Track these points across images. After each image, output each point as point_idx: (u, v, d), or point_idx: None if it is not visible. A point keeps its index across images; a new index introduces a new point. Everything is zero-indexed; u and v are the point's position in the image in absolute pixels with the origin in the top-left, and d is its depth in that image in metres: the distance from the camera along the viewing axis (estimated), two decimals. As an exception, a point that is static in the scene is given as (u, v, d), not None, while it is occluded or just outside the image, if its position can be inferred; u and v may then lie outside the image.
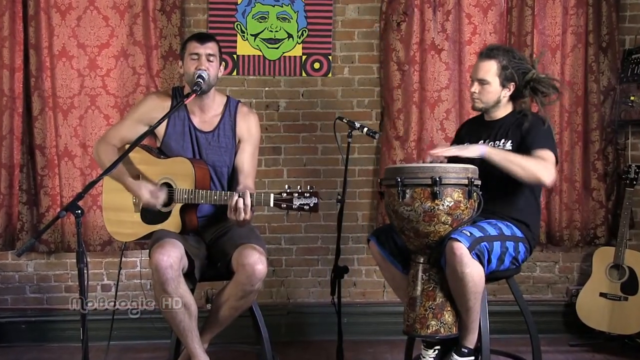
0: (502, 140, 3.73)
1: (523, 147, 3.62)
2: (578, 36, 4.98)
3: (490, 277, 3.48)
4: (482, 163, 3.51)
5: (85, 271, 2.83)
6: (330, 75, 5.07)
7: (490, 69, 3.71)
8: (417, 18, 4.94)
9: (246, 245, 3.45)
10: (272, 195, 3.30)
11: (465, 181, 3.34)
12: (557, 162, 3.64)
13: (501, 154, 3.51)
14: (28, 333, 4.97)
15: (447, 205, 3.31)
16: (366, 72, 5.12)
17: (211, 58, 3.67)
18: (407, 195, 3.35)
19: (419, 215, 3.33)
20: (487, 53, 3.75)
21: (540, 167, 3.48)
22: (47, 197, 4.83)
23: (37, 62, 4.80)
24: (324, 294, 5.07)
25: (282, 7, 5.00)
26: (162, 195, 3.56)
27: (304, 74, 5.06)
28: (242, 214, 3.34)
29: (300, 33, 5.02)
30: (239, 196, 3.34)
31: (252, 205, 3.35)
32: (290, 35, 5.02)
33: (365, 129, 3.98)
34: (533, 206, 3.73)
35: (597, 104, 4.97)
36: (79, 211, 2.82)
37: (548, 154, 3.56)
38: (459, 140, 4.01)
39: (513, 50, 3.82)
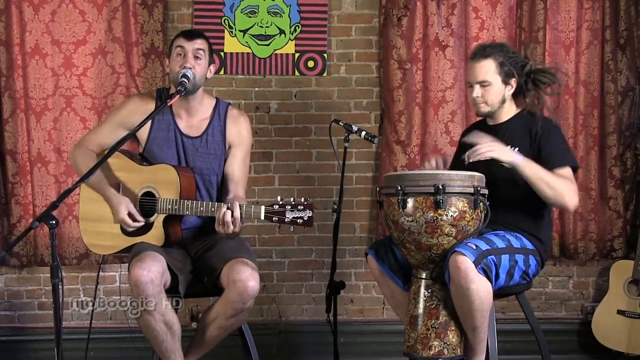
0: (509, 147, 3.72)
1: (539, 162, 3.65)
2: (594, 32, 5.01)
3: (498, 293, 3.50)
4: (488, 170, 3.54)
5: (60, 287, 2.83)
6: (325, 74, 5.10)
7: (489, 69, 3.72)
8: (419, 12, 4.97)
9: (237, 260, 3.46)
10: (262, 208, 3.31)
11: (471, 190, 3.37)
12: (576, 168, 3.74)
13: (534, 169, 3.52)
14: (-3, 354, 4.97)
15: (451, 216, 3.34)
16: (364, 71, 5.15)
17: (199, 53, 3.68)
18: (408, 205, 3.38)
19: (420, 227, 3.36)
20: (480, 53, 3.76)
21: (568, 191, 3.55)
22: (19, 207, 4.84)
23: (7, 60, 4.81)
24: (319, 312, 5.05)
25: (273, 0, 5.02)
26: (140, 220, 3.59)
27: (297, 73, 5.08)
28: (231, 227, 3.36)
29: (292, 29, 5.04)
30: (228, 208, 3.36)
31: (241, 217, 3.37)
32: (282, 31, 5.04)
33: (364, 133, 4.00)
34: (544, 216, 3.75)
35: (615, 105, 4.99)
36: (53, 222, 2.81)
37: (570, 174, 3.63)
38: (462, 149, 4.03)
39: (505, 45, 3.86)
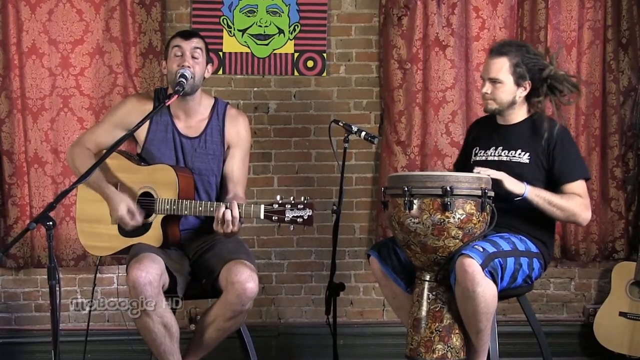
0: (519, 151, 3.73)
1: (552, 176, 3.69)
2: (596, 32, 5.01)
3: (500, 295, 3.47)
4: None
5: (57, 288, 2.82)
6: (324, 74, 5.09)
7: (502, 67, 3.70)
8: (419, 11, 4.96)
9: (236, 262, 3.45)
10: (262, 207, 3.31)
11: (479, 192, 3.35)
12: (588, 178, 3.79)
13: (541, 195, 3.57)
14: (-6, 356, 4.96)
15: (459, 218, 3.32)
16: (364, 71, 5.14)
17: (196, 53, 3.68)
18: (415, 206, 3.36)
19: (427, 229, 3.34)
20: (497, 49, 3.75)
21: (580, 209, 3.62)
22: (16, 208, 4.83)
23: (4, 60, 4.80)
24: (318, 314, 5.04)
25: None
26: (139, 220, 3.56)
27: (296, 73, 5.07)
28: (230, 227, 3.35)
29: (292, 28, 5.03)
30: (226, 207, 3.35)
31: (240, 217, 3.36)
32: (281, 31, 5.03)
33: (363, 133, 4.00)
34: (547, 219, 3.73)
35: (617, 105, 4.99)
36: (51, 223, 2.81)
37: (582, 188, 3.67)
38: (467, 144, 4.02)
39: (527, 46, 3.83)
